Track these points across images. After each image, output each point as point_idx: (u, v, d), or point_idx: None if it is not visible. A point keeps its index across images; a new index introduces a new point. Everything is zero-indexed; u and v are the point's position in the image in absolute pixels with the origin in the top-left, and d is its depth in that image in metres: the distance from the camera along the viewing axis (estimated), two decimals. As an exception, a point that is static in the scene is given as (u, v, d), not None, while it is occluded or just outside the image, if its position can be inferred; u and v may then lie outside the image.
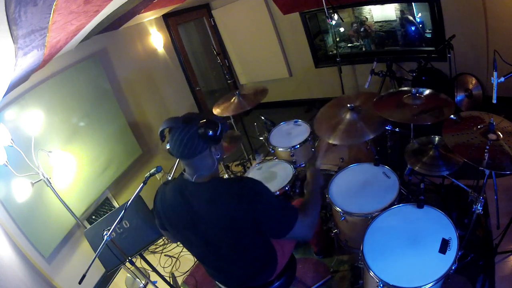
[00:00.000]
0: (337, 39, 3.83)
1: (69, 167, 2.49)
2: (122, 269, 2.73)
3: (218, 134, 1.09)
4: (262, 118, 2.82)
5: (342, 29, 4.08)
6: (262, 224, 1.13)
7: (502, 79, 1.25)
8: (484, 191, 1.45)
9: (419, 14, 3.40)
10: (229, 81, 3.39)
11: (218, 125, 1.10)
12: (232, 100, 2.66)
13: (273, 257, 1.36)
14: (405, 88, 1.98)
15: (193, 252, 1.36)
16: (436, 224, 1.40)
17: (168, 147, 1.13)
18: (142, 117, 3.46)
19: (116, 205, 2.98)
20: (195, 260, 2.67)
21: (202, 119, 1.10)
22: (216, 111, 2.66)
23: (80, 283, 1.48)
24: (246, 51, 4.68)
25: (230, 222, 1.11)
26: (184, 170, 1.19)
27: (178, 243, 2.89)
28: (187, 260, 2.71)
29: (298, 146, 2.35)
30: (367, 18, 3.77)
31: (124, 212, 1.54)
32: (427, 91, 1.86)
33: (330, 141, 1.94)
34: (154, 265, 2.10)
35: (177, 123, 1.09)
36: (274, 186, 2.14)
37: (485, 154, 1.30)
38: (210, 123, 1.08)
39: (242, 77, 5.01)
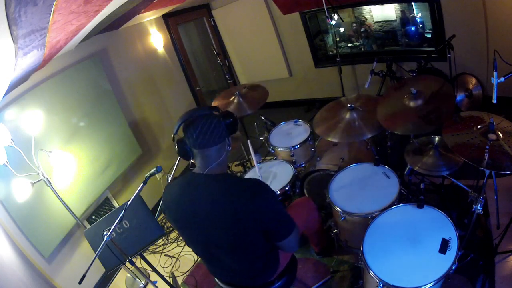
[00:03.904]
0: (337, 39, 3.83)
1: (69, 167, 2.49)
2: (122, 269, 2.73)
3: (235, 124, 1.18)
4: (262, 118, 2.82)
5: (342, 29, 4.08)
6: (265, 224, 1.15)
7: (502, 79, 1.25)
8: (484, 191, 1.45)
9: (419, 14, 3.40)
10: (229, 81, 3.39)
11: (234, 115, 1.19)
12: (233, 101, 2.65)
13: (275, 257, 1.36)
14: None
15: (194, 249, 1.35)
16: (436, 224, 1.40)
17: (176, 144, 1.18)
18: (142, 117, 3.46)
19: (116, 205, 2.98)
20: (195, 260, 2.67)
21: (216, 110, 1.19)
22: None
23: (80, 283, 1.48)
24: (246, 51, 4.68)
25: (233, 220, 1.11)
26: (191, 167, 1.23)
27: (179, 242, 2.92)
28: (187, 260, 2.71)
29: (298, 146, 2.35)
30: (366, 18, 3.77)
31: (124, 212, 1.54)
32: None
33: (330, 139, 1.95)
34: (154, 265, 2.10)
35: (203, 111, 1.15)
36: (274, 186, 2.14)
37: (485, 154, 1.30)
38: (229, 113, 1.18)
39: (242, 77, 5.01)
